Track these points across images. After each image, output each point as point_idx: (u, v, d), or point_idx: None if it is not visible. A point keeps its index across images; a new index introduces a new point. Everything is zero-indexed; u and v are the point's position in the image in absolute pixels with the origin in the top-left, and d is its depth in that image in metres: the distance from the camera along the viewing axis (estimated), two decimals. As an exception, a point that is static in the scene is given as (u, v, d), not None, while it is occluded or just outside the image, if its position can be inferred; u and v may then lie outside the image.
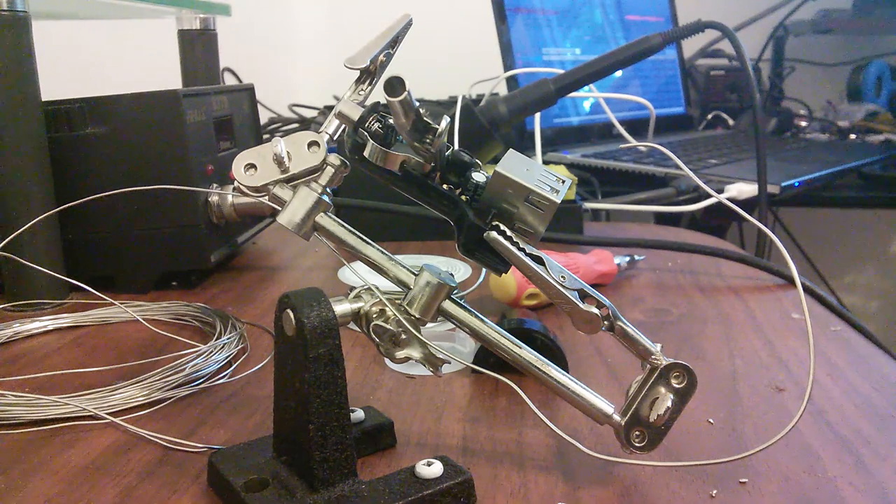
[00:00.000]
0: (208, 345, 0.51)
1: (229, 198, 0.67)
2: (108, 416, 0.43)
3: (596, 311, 0.36)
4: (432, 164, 0.35)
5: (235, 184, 0.36)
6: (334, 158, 0.36)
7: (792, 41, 1.65)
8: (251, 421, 0.43)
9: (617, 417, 0.36)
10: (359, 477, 0.34)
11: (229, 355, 0.51)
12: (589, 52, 1.25)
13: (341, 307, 0.35)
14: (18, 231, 0.50)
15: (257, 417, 0.44)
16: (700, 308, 0.62)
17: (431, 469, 0.35)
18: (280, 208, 0.36)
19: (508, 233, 0.35)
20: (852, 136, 1.40)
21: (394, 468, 0.37)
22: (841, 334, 0.57)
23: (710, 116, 1.47)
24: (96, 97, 0.64)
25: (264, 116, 1.38)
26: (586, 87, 0.77)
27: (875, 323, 1.66)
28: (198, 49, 0.87)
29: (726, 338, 0.56)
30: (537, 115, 0.83)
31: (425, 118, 0.33)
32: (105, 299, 0.54)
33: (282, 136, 0.36)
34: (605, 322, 0.36)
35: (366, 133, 0.34)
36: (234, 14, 1.04)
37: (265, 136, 1.10)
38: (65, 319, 0.59)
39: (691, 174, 0.38)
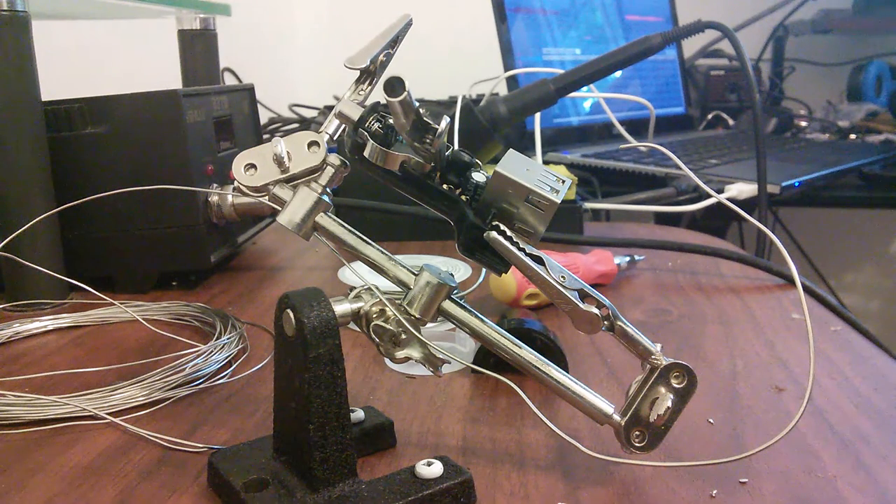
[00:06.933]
0: (208, 345, 0.51)
1: (229, 198, 0.67)
2: (108, 416, 0.43)
3: (596, 311, 0.36)
4: (432, 164, 0.35)
5: (235, 184, 0.36)
6: (334, 158, 0.36)
7: (792, 41, 1.65)
8: (251, 421, 0.43)
9: (617, 417, 0.36)
10: (359, 477, 0.34)
11: (229, 355, 0.51)
12: (589, 52, 1.25)
13: (341, 307, 0.35)
14: (18, 231, 0.49)
15: (257, 417, 0.44)
16: (700, 308, 0.62)
17: (431, 469, 0.35)
18: (280, 208, 0.36)
19: (508, 233, 0.35)
20: (852, 136, 1.40)
21: (394, 468, 0.37)
22: (841, 334, 0.57)
23: (710, 116, 1.47)
24: (96, 97, 0.64)
25: (264, 116, 1.38)
26: (586, 87, 0.77)
27: (875, 323, 1.66)
28: (198, 49, 0.87)
29: (726, 338, 0.56)
30: (537, 115, 0.83)
31: (425, 118, 0.33)
32: (105, 299, 0.54)
33: (282, 136, 0.36)
34: (605, 322, 0.36)
35: (366, 133, 0.34)
36: (234, 14, 1.04)
37: (265, 136, 1.10)
38: (65, 319, 0.59)
39: (691, 174, 0.38)
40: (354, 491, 0.34)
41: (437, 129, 0.33)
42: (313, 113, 1.41)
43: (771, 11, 1.58)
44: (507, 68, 1.10)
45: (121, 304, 0.58)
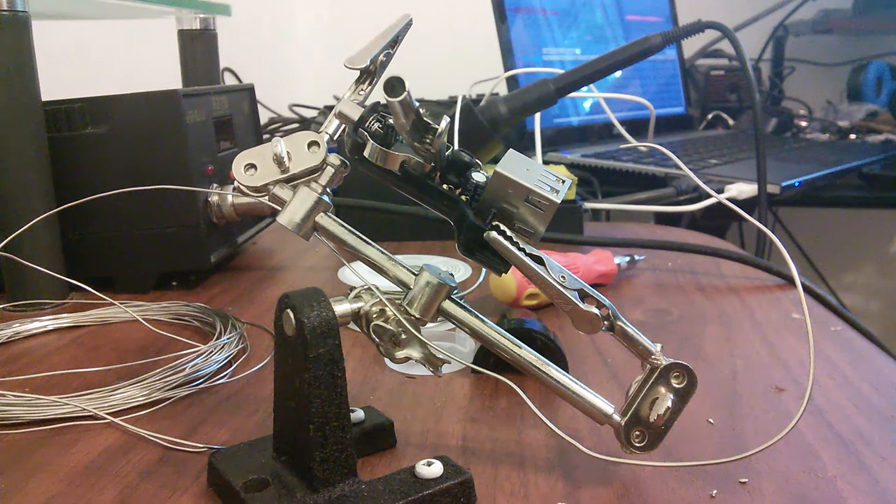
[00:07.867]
0: (208, 345, 0.51)
1: (229, 198, 0.67)
2: (108, 416, 0.43)
3: (596, 311, 0.36)
4: (432, 164, 0.35)
5: (235, 184, 0.36)
6: (334, 158, 0.36)
7: (792, 41, 1.65)
8: (251, 421, 0.43)
9: (617, 417, 0.36)
10: (359, 477, 0.34)
11: (229, 355, 0.51)
12: (589, 52, 1.25)
13: (341, 307, 0.35)
14: (18, 231, 0.49)
15: (257, 417, 0.44)
16: (700, 308, 0.62)
17: (431, 469, 0.35)
18: (280, 208, 0.36)
19: (508, 233, 0.35)
20: (852, 136, 1.40)
21: (394, 468, 0.37)
22: (841, 334, 0.57)
23: (710, 116, 1.47)
24: (96, 97, 0.64)
25: (264, 116, 1.38)
26: (586, 87, 0.77)
27: (875, 323, 1.66)
28: (198, 49, 0.87)
29: (726, 338, 0.56)
30: (537, 115, 0.83)
31: (425, 118, 0.33)
32: (105, 299, 0.54)
33: (282, 136, 0.36)
34: (605, 322, 0.36)
35: (366, 133, 0.34)
36: (234, 14, 1.04)
37: (265, 136, 1.10)
38: (65, 319, 0.59)
39: (691, 174, 0.38)
40: (354, 491, 0.34)
41: (437, 129, 0.33)
42: (313, 113, 1.41)
43: (771, 11, 1.58)
44: (507, 68, 1.10)
45: (121, 304, 0.58)
